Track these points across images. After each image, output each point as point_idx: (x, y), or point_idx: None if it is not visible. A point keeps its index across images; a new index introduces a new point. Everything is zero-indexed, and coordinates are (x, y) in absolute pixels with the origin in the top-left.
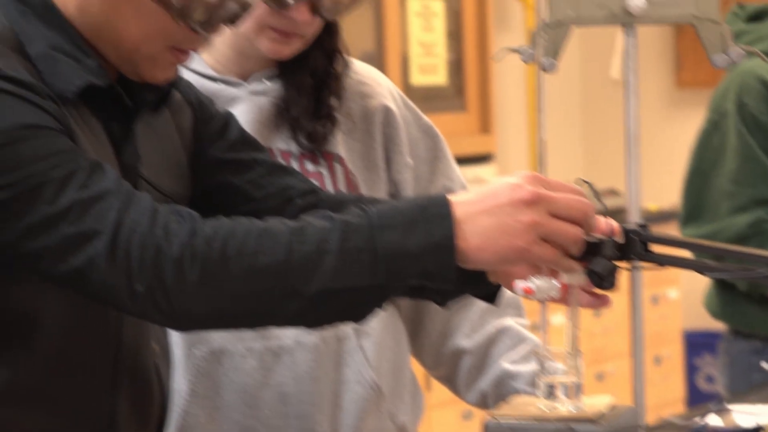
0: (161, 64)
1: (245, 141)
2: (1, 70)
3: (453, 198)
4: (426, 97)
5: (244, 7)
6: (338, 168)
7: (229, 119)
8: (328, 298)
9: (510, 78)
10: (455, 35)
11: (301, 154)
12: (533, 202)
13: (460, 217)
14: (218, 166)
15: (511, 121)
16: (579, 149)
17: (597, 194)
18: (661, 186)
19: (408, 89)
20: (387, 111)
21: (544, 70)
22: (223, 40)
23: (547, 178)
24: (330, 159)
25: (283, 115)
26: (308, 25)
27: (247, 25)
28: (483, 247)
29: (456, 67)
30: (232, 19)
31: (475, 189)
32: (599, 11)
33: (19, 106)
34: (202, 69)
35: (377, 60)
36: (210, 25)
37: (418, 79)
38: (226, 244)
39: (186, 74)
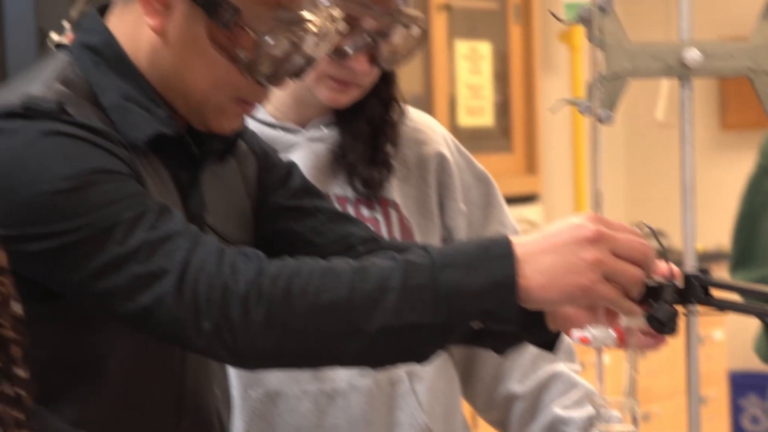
0: (228, 115)
1: (307, 189)
2: (76, 118)
3: (514, 239)
4: (473, 138)
5: (309, 62)
6: (393, 214)
7: (291, 168)
8: (390, 335)
9: (556, 118)
10: (502, 77)
11: (357, 199)
12: (596, 241)
13: (521, 256)
14: (281, 214)
15: (556, 161)
16: (623, 190)
17: (657, 238)
18: (705, 227)
19: (455, 130)
20: (441, 158)
21: (601, 122)
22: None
23: (608, 219)
24: (385, 205)
25: (340, 161)
26: (366, 74)
27: (308, 74)
28: (546, 286)
29: (502, 108)
30: (298, 73)
31: (533, 232)
32: (655, 63)
33: (92, 151)
34: (261, 116)
35: (425, 102)
36: (276, 78)
37: (465, 120)
38: (291, 282)
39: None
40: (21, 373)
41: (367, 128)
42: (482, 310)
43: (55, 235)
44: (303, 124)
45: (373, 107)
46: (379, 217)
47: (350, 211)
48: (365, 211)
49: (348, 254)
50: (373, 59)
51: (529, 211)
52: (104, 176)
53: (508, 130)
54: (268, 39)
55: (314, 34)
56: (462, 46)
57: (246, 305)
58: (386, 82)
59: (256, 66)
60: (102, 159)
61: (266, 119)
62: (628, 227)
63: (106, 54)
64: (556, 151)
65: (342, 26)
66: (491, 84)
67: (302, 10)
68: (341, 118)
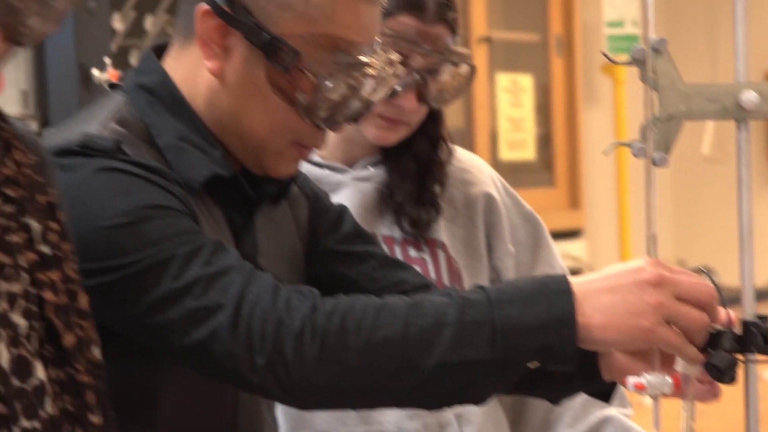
0: (285, 159)
1: (358, 234)
2: (132, 157)
3: (571, 278)
4: (514, 173)
5: (368, 106)
6: (441, 254)
7: (342, 212)
8: (446, 372)
9: (599, 152)
10: (544, 110)
11: (404, 239)
12: (658, 284)
13: (579, 294)
14: (332, 258)
15: (600, 196)
16: (669, 224)
17: (716, 284)
18: (756, 264)
19: (496, 165)
20: (489, 198)
21: (655, 164)
22: None
23: (668, 264)
24: (433, 245)
25: (387, 200)
26: (414, 112)
27: None
28: (606, 325)
29: (545, 142)
30: (355, 117)
31: (584, 272)
32: (711, 105)
33: (148, 188)
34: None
35: (466, 136)
36: (334, 122)
37: (506, 154)
38: (345, 318)
39: None
40: (95, 419)
41: (415, 167)
42: (541, 346)
43: (112, 270)
44: (350, 163)
45: (421, 146)
46: (427, 257)
47: (397, 251)
48: (413, 252)
49: None
50: (421, 97)
51: (572, 247)
52: (160, 212)
53: (550, 163)
54: (328, 83)
55: (373, 78)
56: (503, 79)
57: (300, 341)
58: (433, 120)
59: (315, 110)
60: (157, 195)
61: (313, 158)
62: (688, 272)
63: (162, 94)
64: (600, 184)
65: (400, 70)
66: (533, 117)
67: (360, 54)
68: (388, 156)
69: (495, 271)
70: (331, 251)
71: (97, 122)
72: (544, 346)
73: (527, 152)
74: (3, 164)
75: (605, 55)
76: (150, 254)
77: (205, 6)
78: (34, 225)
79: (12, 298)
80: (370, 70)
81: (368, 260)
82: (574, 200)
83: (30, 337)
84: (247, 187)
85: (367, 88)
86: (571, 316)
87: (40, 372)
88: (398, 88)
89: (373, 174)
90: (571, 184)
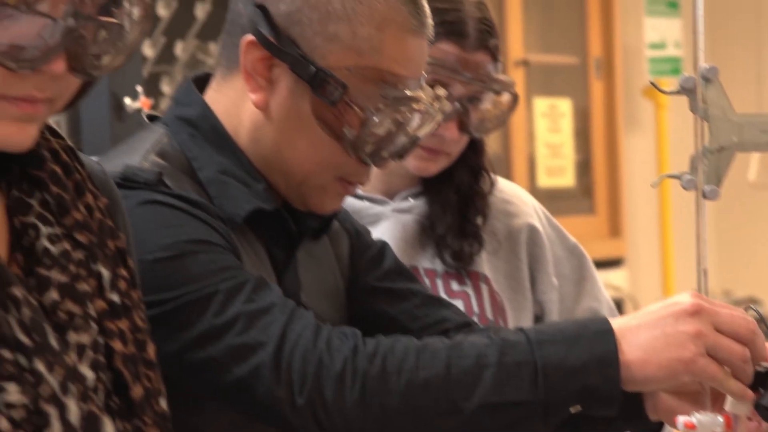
0: (329, 195)
1: (400, 271)
2: (174, 190)
3: (611, 319)
4: (553, 200)
5: (414, 142)
6: (484, 288)
7: (384, 248)
8: (488, 413)
9: (640, 178)
10: (583, 135)
11: (445, 272)
12: (695, 313)
13: (620, 332)
14: (373, 295)
15: (642, 223)
16: (714, 254)
17: (763, 318)
18: None
19: (534, 191)
20: (532, 230)
21: (706, 197)
22: None
23: (710, 299)
24: (476, 279)
25: (428, 233)
26: (455, 142)
27: None
28: (647, 360)
29: (584, 168)
30: (401, 153)
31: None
32: (763, 137)
33: (190, 221)
34: None
35: (504, 162)
36: (380, 157)
37: (544, 180)
38: (386, 360)
39: None
40: None
41: (456, 198)
42: (583, 387)
43: (153, 305)
44: (390, 194)
45: (462, 177)
46: (470, 291)
47: (439, 284)
48: (455, 285)
49: None
50: (463, 126)
51: (613, 276)
52: (202, 246)
53: (590, 190)
54: (376, 117)
55: (420, 113)
56: (541, 104)
57: (341, 383)
58: (474, 150)
59: (361, 145)
60: (199, 229)
61: None
62: (729, 306)
63: (203, 127)
64: (642, 212)
65: (446, 106)
66: (572, 142)
67: (407, 88)
68: (429, 188)
69: (538, 304)
70: (372, 288)
71: (138, 154)
72: (587, 386)
73: (566, 179)
74: (75, 208)
75: (653, 84)
76: (192, 290)
77: (250, 37)
78: (105, 272)
79: (81, 350)
80: (417, 105)
81: (410, 298)
82: (615, 228)
83: (97, 389)
84: (290, 222)
85: (414, 123)
86: (614, 355)
87: (109, 428)
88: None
89: (414, 205)
90: (612, 212)
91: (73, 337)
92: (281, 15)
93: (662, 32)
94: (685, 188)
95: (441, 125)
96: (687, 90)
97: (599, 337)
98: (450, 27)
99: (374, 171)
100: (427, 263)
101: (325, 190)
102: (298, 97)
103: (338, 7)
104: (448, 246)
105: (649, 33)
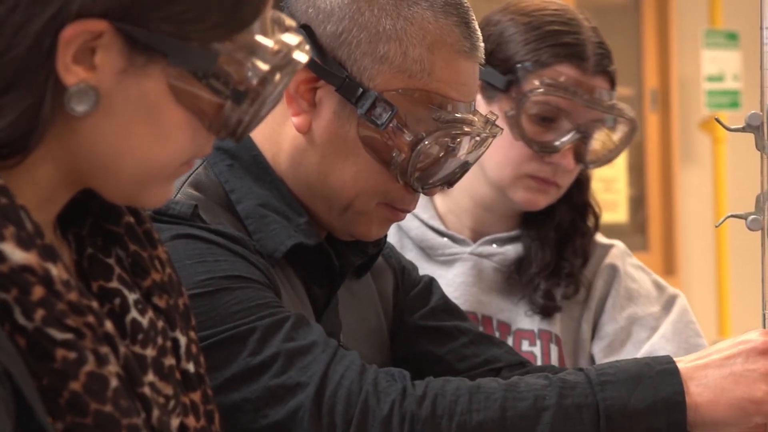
0: (375, 221)
1: (448, 309)
2: (210, 225)
3: (676, 358)
4: (605, 235)
5: (464, 167)
6: (553, 350)
7: (431, 285)
8: None
9: (696, 214)
10: (637, 169)
11: (517, 330)
12: (766, 352)
13: (686, 373)
14: (419, 334)
15: (697, 261)
16: None
17: None
18: None
19: None
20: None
21: None
22: (462, 189)
23: None
24: (546, 339)
25: (505, 282)
26: (569, 173)
27: (504, 173)
28: (715, 401)
29: (638, 203)
30: (450, 181)
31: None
32: None
33: (226, 256)
34: (428, 219)
35: None
36: (428, 184)
37: None
38: (436, 402)
39: (409, 221)
40: None
41: (555, 236)
42: (648, 430)
43: None
44: (478, 234)
45: (563, 213)
46: (537, 351)
47: (509, 341)
48: (525, 344)
49: None
50: (578, 157)
51: None
52: (239, 282)
53: (643, 226)
54: (427, 141)
55: (472, 137)
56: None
57: (388, 428)
58: (578, 186)
59: (410, 170)
60: (236, 265)
61: (433, 224)
62: None
63: (243, 157)
64: (697, 249)
65: (496, 130)
66: (625, 177)
67: (457, 111)
68: (528, 225)
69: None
70: (418, 327)
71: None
72: (652, 429)
73: (619, 214)
74: (153, 267)
75: (717, 121)
76: (227, 327)
77: None
78: (181, 339)
79: None
80: (470, 129)
81: (458, 336)
82: (670, 266)
83: None
84: (333, 257)
85: (464, 148)
86: (680, 397)
87: None
88: (559, 145)
89: (496, 252)
90: (666, 249)
91: (174, 422)
92: (328, 36)
93: (720, 64)
94: (750, 228)
95: (558, 153)
96: (753, 127)
97: (664, 378)
98: (569, 49)
99: (466, 206)
100: (501, 315)
101: (370, 216)
102: (344, 120)
103: (389, 27)
104: (539, 286)
105: (706, 65)
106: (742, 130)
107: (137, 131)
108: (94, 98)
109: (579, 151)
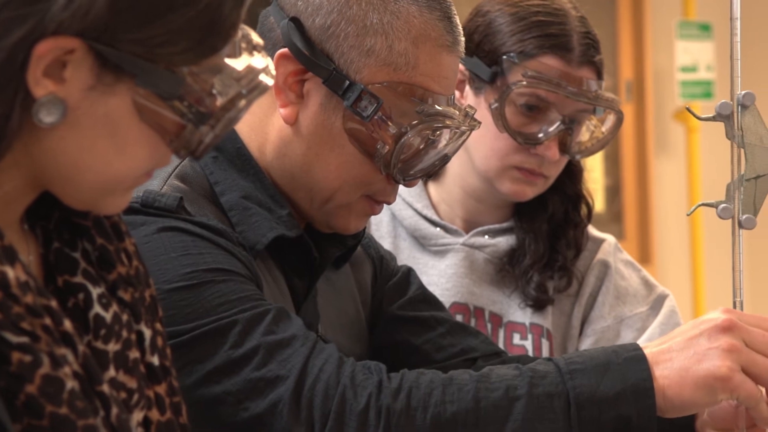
0: (355, 214)
1: (425, 299)
2: (194, 217)
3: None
4: None
5: (444, 159)
6: (545, 344)
7: (409, 275)
8: None
9: (671, 203)
10: (613, 159)
11: (509, 323)
12: (728, 329)
13: (652, 358)
14: (396, 324)
15: (672, 250)
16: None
17: None
18: None
19: None
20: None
21: (742, 227)
22: (453, 179)
23: (743, 313)
24: (537, 333)
25: (506, 271)
26: (555, 164)
27: (490, 164)
28: (681, 382)
29: (613, 193)
30: (430, 172)
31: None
32: None
33: (210, 249)
34: (421, 208)
35: None
36: (410, 175)
37: None
38: (411, 395)
39: (403, 210)
40: None
41: (548, 228)
42: (618, 416)
43: (169, 336)
44: (471, 225)
45: (556, 204)
46: (528, 346)
47: (500, 334)
48: (516, 338)
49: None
50: (564, 148)
51: None
52: (222, 275)
53: (619, 215)
54: (410, 133)
55: (452, 130)
56: None
57: (365, 421)
58: (570, 176)
59: (393, 161)
60: (220, 257)
61: (426, 213)
62: (762, 317)
63: (227, 149)
64: (672, 238)
65: (475, 124)
66: (601, 167)
67: (438, 104)
68: (520, 217)
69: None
70: (396, 317)
71: (159, 178)
72: (622, 415)
73: (595, 204)
74: (119, 260)
75: (689, 110)
76: (209, 320)
77: (284, 50)
78: (146, 332)
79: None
80: (450, 122)
81: (435, 326)
82: (645, 254)
83: None
84: (313, 249)
85: (443, 140)
86: (648, 383)
87: None
88: (542, 137)
89: (488, 243)
90: (642, 238)
91: (136, 417)
92: (316, 28)
93: (694, 55)
94: (721, 217)
95: (542, 145)
96: (723, 116)
97: (631, 365)
98: (554, 40)
99: (459, 197)
100: (492, 307)
101: (350, 209)
102: (330, 112)
103: (376, 21)
104: (532, 278)
105: (680, 56)
106: (713, 119)
107: (99, 145)
108: (61, 110)
109: (564, 142)
